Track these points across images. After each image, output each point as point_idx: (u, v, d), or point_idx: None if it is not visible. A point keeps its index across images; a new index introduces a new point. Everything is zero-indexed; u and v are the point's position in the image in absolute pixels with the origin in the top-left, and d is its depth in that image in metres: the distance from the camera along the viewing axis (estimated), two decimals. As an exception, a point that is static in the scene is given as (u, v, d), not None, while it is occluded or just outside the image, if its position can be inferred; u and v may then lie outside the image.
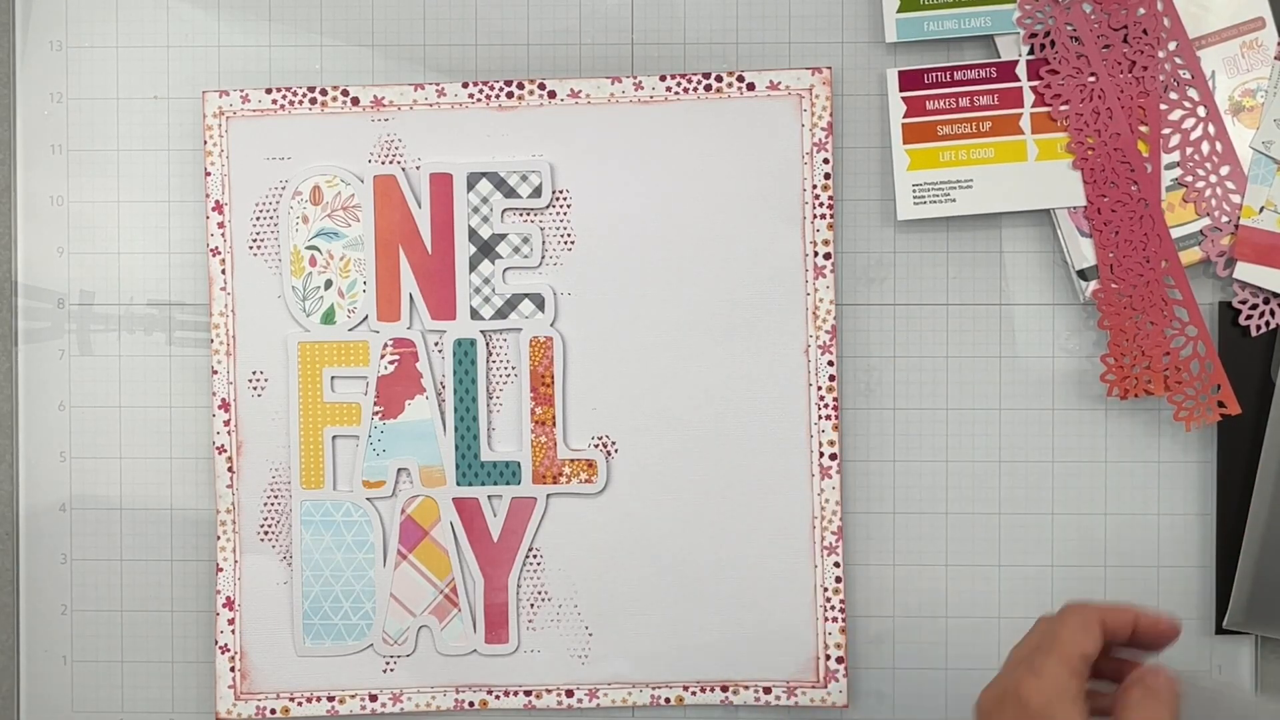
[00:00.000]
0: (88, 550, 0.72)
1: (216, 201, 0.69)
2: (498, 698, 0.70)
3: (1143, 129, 0.68)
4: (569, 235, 0.69)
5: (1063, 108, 0.68)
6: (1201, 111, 0.67)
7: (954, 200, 0.68)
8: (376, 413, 0.69)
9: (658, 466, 0.69)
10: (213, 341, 0.70)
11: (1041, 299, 0.70)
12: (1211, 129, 0.67)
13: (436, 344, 0.69)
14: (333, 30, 0.71)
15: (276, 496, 0.70)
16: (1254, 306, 0.68)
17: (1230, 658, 0.70)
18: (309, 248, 0.69)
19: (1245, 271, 0.67)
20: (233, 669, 0.70)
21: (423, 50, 0.71)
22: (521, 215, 0.69)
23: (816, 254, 0.69)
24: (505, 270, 0.69)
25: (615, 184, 0.69)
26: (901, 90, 0.69)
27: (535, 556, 0.70)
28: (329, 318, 0.69)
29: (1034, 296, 0.70)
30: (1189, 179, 0.68)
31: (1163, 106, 0.67)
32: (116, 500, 0.71)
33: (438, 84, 0.69)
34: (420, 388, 0.69)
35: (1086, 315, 0.70)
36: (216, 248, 0.70)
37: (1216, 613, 0.69)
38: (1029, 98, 0.68)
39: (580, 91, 0.69)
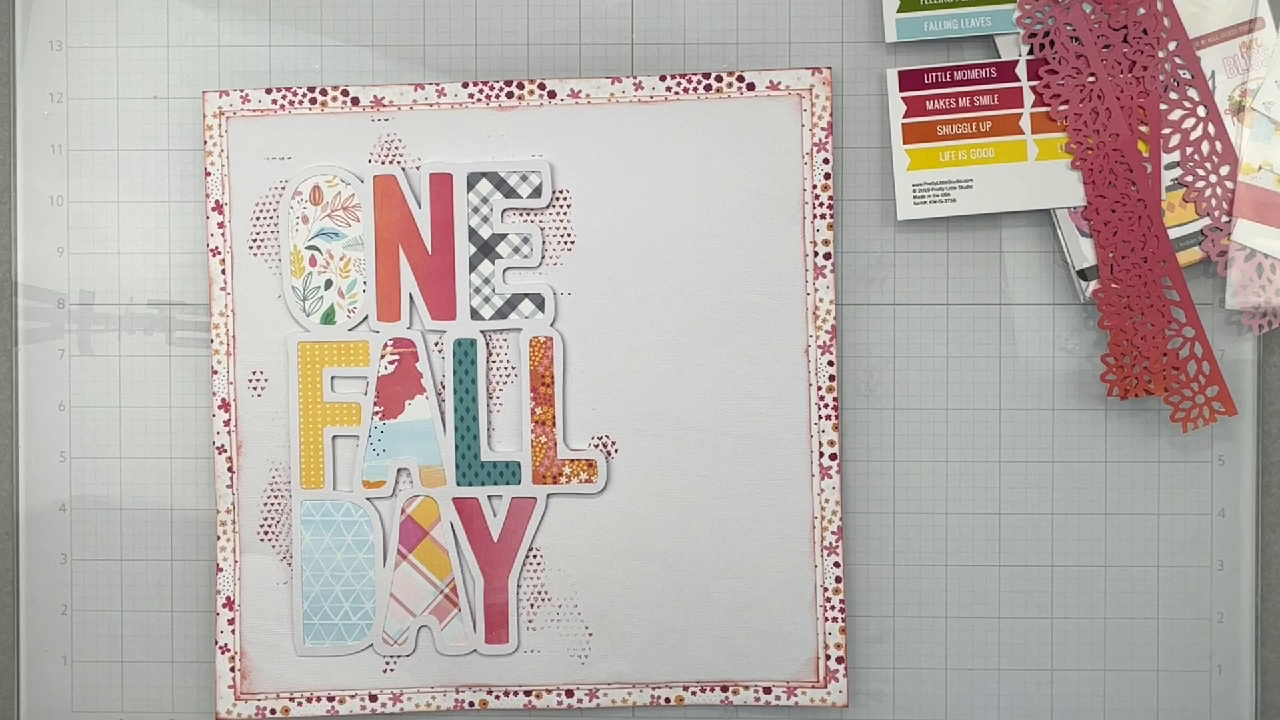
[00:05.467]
0: (88, 550, 0.72)
1: (216, 201, 0.70)
2: (498, 698, 0.70)
3: (1143, 129, 0.68)
4: (569, 235, 0.69)
5: (1062, 108, 0.68)
6: (1201, 111, 0.68)
7: (954, 200, 0.68)
8: (376, 413, 0.69)
9: (658, 466, 0.69)
10: (213, 341, 0.70)
11: (1041, 299, 0.70)
12: (1211, 129, 0.68)
13: (436, 344, 0.69)
14: (333, 30, 0.71)
15: (276, 496, 0.70)
16: (1252, 319, 0.68)
17: (1230, 656, 0.70)
18: (309, 248, 0.69)
19: (1244, 232, 0.67)
20: (233, 669, 0.70)
21: (423, 50, 0.71)
22: (521, 215, 0.69)
23: (816, 254, 0.69)
24: (505, 270, 0.69)
25: (615, 184, 0.69)
26: (901, 90, 0.69)
27: (535, 556, 0.70)
28: (329, 318, 0.69)
29: (1034, 296, 0.70)
30: (1189, 179, 0.68)
31: (1163, 106, 0.68)
32: (116, 500, 0.71)
33: (438, 84, 0.69)
34: (420, 388, 0.69)
35: (1086, 315, 0.70)
36: (216, 248, 0.70)
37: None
38: (1029, 98, 0.68)
39: (580, 91, 0.69)
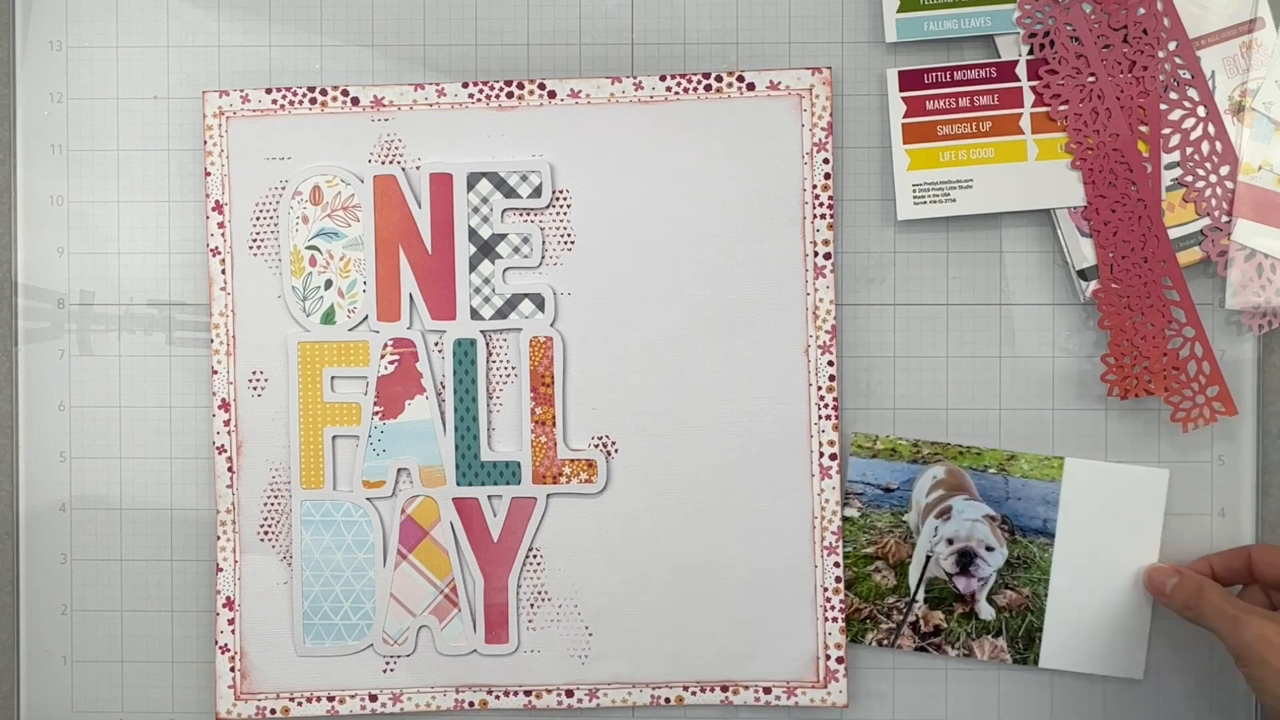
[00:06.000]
0: (88, 550, 0.72)
1: (216, 201, 0.70)
2: (498, 698, 0.70)
3: (1143, 129, 0.68)
4: (569, 235, 0.69)
5: (1062, 108, 0.68)
6: (1201, 111, 0.67)
7: (954, 200, 0.68)
8: (376, 413, 0.69)
9: (658, 466, 0.69)
10: (213, 341, 0.70)
11: (1041, 299, 0.70)
12: (1211, 129, 0.68)
13: (436, 344, 0.69)
14: (333, 30, 0.71)
15: (276, 496, 0.70)
16: (1252, 319, 0.68)
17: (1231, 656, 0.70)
18: (309, 248, 0.69)
19: (1244, 232, 0.67)
20: (233, 669, 0.70)
21: (423, 50, 0.71)
22: (521, 215, 0.69)
23: (816, 254, 0.69)
24: (505, 270, 0.69)
25: (615, 184, 0.69)
26: (901, 90, 0.69)
27: (535, 556, 0.70)
28: (329, 318, 0.69)
29: (1034, 296, 0.70)
30: (1189, 179, 0.68)
31: (1163, 106, 0.67)
32: (116, 500, 0.71)
33: (438, 84, 0.69)
34: (420, 388, 0.69)
35: (1086, 315, 0.70)
36: (216, 248, 0.70)
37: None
38: (1029, 98, 0.68)
39: (580, 91, 0.69)
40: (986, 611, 0.68)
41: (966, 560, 0.68)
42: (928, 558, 0.68)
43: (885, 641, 0.69)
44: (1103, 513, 0.68)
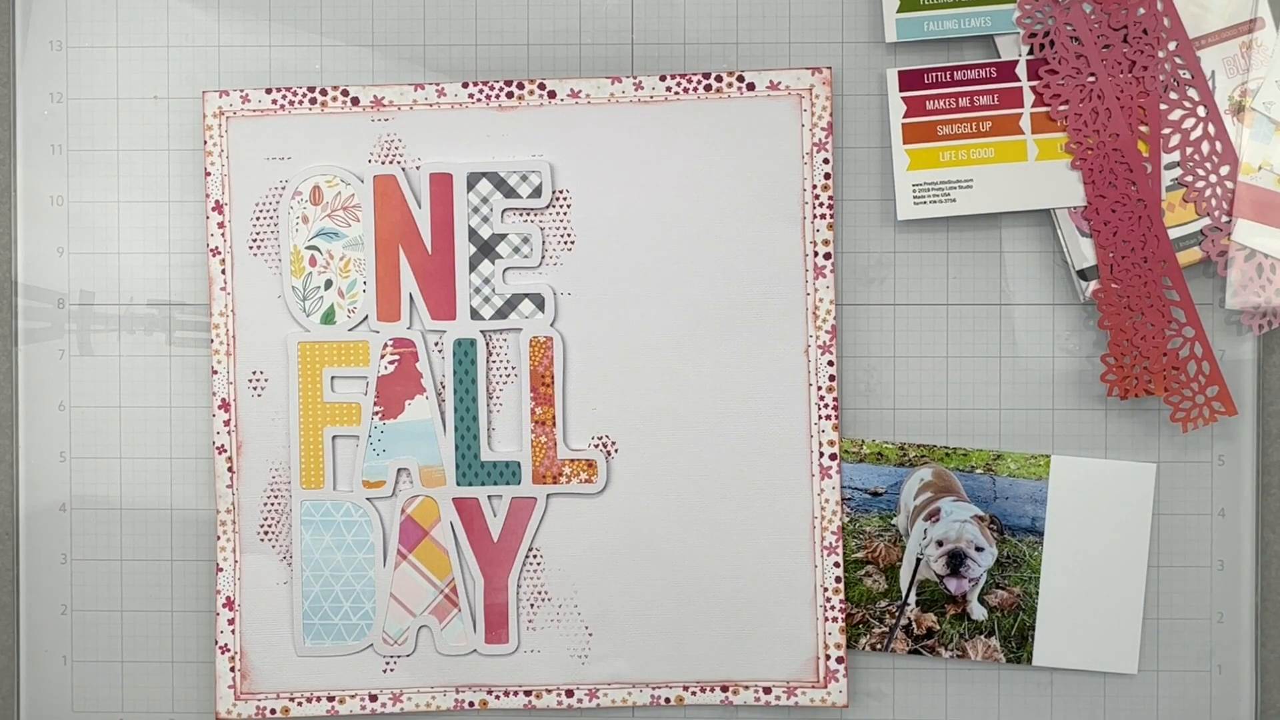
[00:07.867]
0: (88, 550, 0.72)
1: (216, 201, 0.70)
2: (498, 698, 0.70)
3: (1143, 129, 0.68)
4: (569, 235, 0.69)
5: (1062, 108, 0.68)
6: (1201, 111, 0.68)
7: (954, 200, 0.68)
8: (376, 413, 0.69)
9: (658, 466, 0.69)
10: (213, 341, 0.70)
11: (1041, 299, 0.70)
12: (1211, 129, 0.68)
13: (436, 344, 0.69)
14: (333, 30, 0.71)
15: (276, 496, 0.70)
16: (1252, 319, 0.68)
17: (1231, 655, 0.70)
18: (309, 248, 0.69)
19: (1244, 232, 0.67)
20: (233, 669, 0.70)
21: (423, 50, 0.71)
22: (521, 215, 0.69)
23: (816, 254, 0.69)
24: (505, 270, 0.69)
25: (615, 184, 0.69)
26: (901, 90, 0.69)
27: (535, 556, 0.70)
28: (329, 318, 0.69)
29: (1034, 296, 0.70)
30: (1189, 179, 0.68)
31: (1163, 106, 0.67)
32: (116, 500, 0.71)
33: (438, 84, 0.69)
34: (420, 388, 0.69)
35: (1086, 315, 0.70)
36: (216, 248, 0.70)
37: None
38: (1029, 98, 0.68)
39: (580, 91, 0.69)
40: (978, 612, 0.68)
41: (957, 561, 0.68)
42: (918, 560, 0.68)
43: (879, 646, 0.69)
44: (1091, 509, 0.68)
